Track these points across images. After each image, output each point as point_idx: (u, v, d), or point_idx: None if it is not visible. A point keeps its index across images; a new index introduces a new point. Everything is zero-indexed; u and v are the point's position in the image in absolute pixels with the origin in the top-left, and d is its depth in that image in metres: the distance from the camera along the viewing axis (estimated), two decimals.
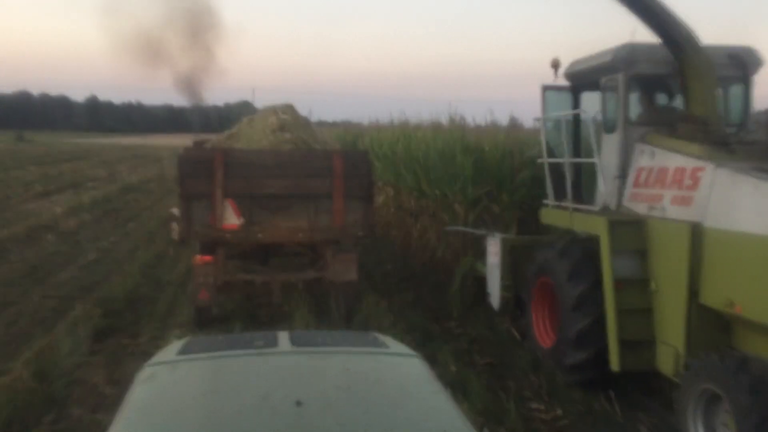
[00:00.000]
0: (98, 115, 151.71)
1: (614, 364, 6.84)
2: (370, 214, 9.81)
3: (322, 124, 50.99)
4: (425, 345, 8.49)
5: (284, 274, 10.14)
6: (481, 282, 10.21)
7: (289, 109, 12.36)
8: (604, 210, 7.61)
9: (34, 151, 58.95)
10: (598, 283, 7.13)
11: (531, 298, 8.37)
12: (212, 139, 12.92)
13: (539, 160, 9.19)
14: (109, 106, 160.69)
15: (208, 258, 9.37)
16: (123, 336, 9.12)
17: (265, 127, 11.18)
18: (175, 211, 15.41)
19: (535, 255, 8.34)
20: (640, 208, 7.30)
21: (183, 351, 3.24)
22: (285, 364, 3.03)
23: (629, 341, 6.84)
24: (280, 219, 9.40)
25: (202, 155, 9.72)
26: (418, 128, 15.75)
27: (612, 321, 6.87)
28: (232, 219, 9.28)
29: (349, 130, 26.50)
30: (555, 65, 8.76)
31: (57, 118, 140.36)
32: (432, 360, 7.69)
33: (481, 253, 11.20)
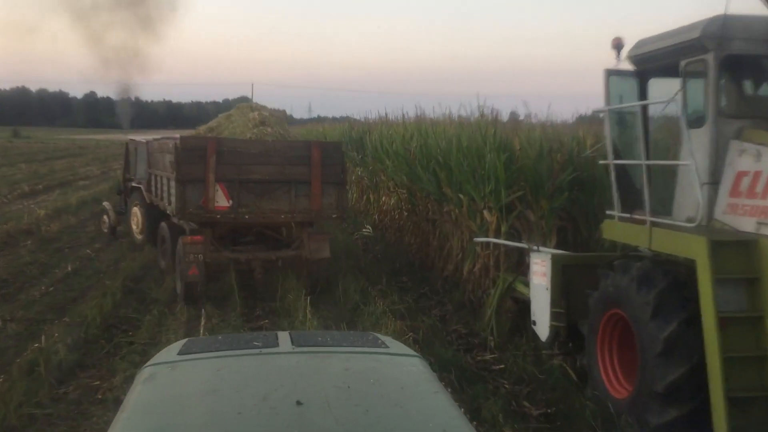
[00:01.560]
0: (97, 111, 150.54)
1: (720, 427, 5.26)
2: (344, 198, 11.13)
3: (322, 120, 49.70)
4: (463, 389, 6.93)
5: (265, 253, 11.10)
6: (521, 304, 8.66)
7: (263, 107, 13.94)
8: (699, 226, 6.01)
9: (29, 147, 57.53)
10: (692, 321, 5.57)
11: (594, 334, 6.77)
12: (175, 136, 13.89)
13: (601, 162, 7.60)
14: (107, 102, 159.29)
15: (198, 237, 10.32)
16: (94, 375, 7.55)
17: (246, 121, 12.44)
18: (107, 205, 16.35)
19: (600, 280, 6.74)
20: (744, 224, 5.73)
21: (183, 351, 3.19)
22: (285, 364, 3.01)
23: (739, 398, 5.27)
24: (264, 202, 10.48)
25: (198, 143, 10.58)
26: (436, 123, 14.10)
27: (716, 371, 5.29)
28: (222, 201, 10.25)
29: (354, 126, 24.85)
30: (617, 45, 7.17)
31: (55, 114, 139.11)
32: (476, 414, 6.16)
33: (517, 268, 9.66)
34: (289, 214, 10.59)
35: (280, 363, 3.01)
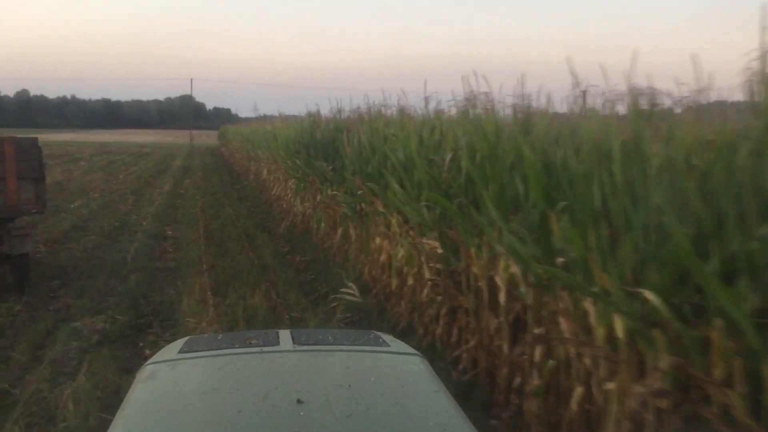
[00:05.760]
0: (29, 110, 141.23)
1: None
2: (43, 192, 11.19)
3: (270, 118, 42.06)
4: None
5: None
6: None
7: None
8: None
9: None
10: None
11: None
12: None
13: None
14: (41, 101, 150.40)
15: None
16: None
17: None
18: None
19: None
20: None
21: (184, 349, 3.14)
22: (286, 363, 2.97)
23: None
24: None
25: None
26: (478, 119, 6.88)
27: None
28: None
29: (318, 123, 17.40)
30: None
31: None
32: None
33: None
34: None
35: (280, 361, 2.97)
